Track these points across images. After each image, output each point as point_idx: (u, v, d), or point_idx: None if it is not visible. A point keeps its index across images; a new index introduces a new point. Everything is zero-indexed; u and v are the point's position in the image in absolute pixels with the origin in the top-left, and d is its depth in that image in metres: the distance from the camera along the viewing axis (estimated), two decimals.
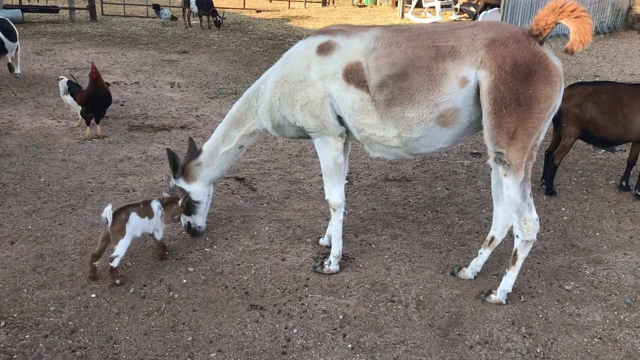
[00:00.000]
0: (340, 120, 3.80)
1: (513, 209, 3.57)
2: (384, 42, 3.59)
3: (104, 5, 19.91)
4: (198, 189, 4.40)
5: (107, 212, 3.68)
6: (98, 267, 3.89)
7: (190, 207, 4.36)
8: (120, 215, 3.80)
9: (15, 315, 3.43)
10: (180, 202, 4.18)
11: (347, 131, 3.87)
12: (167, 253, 4.22)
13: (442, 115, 3.50)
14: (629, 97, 5.35)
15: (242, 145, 4.35)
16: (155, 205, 4.04)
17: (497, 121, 3.38)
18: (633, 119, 5.31)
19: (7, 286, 3.74)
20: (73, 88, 7.01)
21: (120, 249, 3.75)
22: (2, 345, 3.17)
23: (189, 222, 4.47)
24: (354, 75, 3.59)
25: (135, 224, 3.85)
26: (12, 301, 3.58)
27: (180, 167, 4.39)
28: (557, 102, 3.48)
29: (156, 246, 4.14)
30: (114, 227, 3.74)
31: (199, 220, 4.49)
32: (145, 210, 3.96)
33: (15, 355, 3.10)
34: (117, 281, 3.78)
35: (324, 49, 3.72)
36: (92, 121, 6.85)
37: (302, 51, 3.82)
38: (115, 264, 3.74)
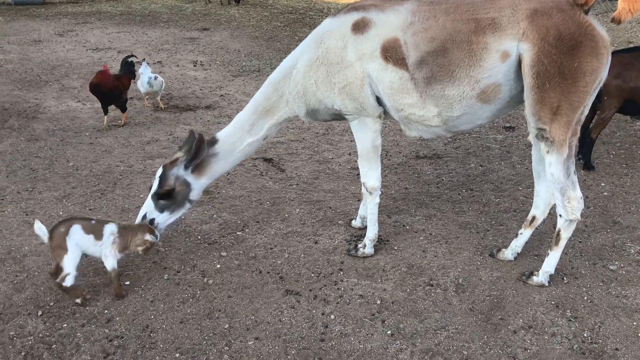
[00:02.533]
0: (378, 100, 3.66)
1: (556, 187, 3.43)
2: (421, 16, 3.42)
3: None
4: (201, 187, 3.89)
5: (38, 228, 3.27)
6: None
7: (175, 201, 3.73)
8: (60, 228, 3.33)
9: (51, 304, 3.42)
10: (149, 237, 3.53)
11: (385, 111, 3.73)
12: (125, 292, 3.54)
13: (483, 91, 3.35)
14: None
15: (267, 136, 4.05)
16: (108, 229, 3.47)
17: (539, 96, 3.23)
18: None
19: (42, 274, 3.72)
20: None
21: (68, 266, 3.29)
22: (40, 335, 3.16)
23: (152, 218, 3.75)
24: (392, 53, 3.44)
25: (78, 239, 3.34)
26: (48, 290, 3.56)
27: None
28: (604, 74, 3.31)
29: (111, 278, 3.51)
30: (52, 242, 3.30)
31: (166, 221, 3.81)
32: (94, 228, 3.43)
33: (54, 345, 3.08)
34: (78, 300, 3.36)
35: (359, 27, 3.55)
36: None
37: (336, 30, 3.63)
38: (68, 282, 3.29)
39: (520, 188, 5.11)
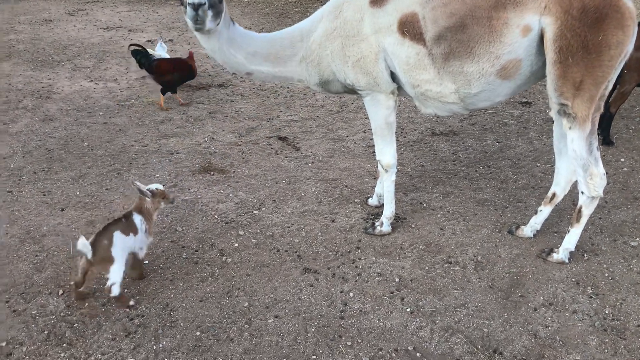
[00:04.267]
0: (392, 76, 3.60)
1: (578, 164, 3.38)
2: None
3: None
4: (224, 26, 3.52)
5: (82, 244, 3.09)
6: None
7: (221, 9, 3.34)
8: (102, 241, 3.20)
9: (72, 283, 3.44)
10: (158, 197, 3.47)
11: (399, 88, 3.67)
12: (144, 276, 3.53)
13: (503, 67, 3.28)
14: None
15: (257, 77, 3.87)
16: (137, 219, 3.39)
17: (562, 71, 3.16)
18: None
19: (61, 254, 3.74)
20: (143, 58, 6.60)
21: (115, 275, 3.19)
22: (62, 314, 3.18)
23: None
24: (409, 28, 3.37)
25: (122, 245, 3.25)
26: (68, 269, 3.58)
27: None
28: (630, 47, 3.22)
29: (134, 267, 3.45)
30: (95, 257, 3.16)
31: (210, 18, 3.29)
32: (128, 225, 3.34)
33: (76, 324, 3.11)
34: (131, 302, 3.29)
35: (377, 0, 3.48)
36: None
37: (355, 2, 3.55)
38: (115, 292, 3.19)
39: (539, 164, 5.05)
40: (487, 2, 3.24)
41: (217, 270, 3.58)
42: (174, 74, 6.50)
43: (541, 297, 3.33)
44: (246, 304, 3.29)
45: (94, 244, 3.16)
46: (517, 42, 3.22)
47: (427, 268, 3.62)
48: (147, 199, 3.43)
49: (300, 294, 3.37)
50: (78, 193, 4.54)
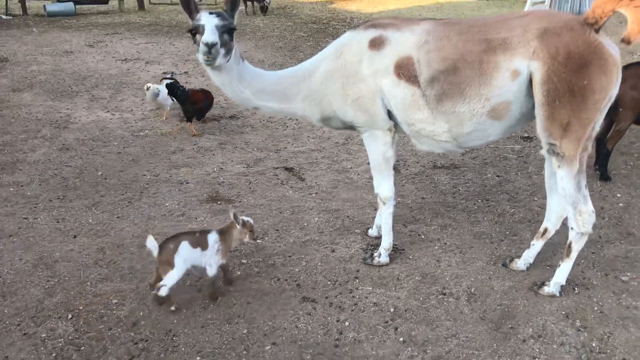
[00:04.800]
0: (389, 114, 3.79)
1: (568, 201, 3.52)
2: (435, 36, 3.54)
3: None
4: (236, 55, 3.69)
5: (150, 243, 3.46)
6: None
7: (230, 42, 3.51)
8: (169, 245, 3.52)
9: (80, 308, 3.62)
10: (245, 231, 3.75)
11: (395, 125, 3.86)
12: (220, 294, 3.76)
13: (493, 109, 3.46)
14: None
15: (265, 110, 4.08)
16: (211, 238, 3.67)
17: (550, 113, 3.32)
18: None
19: (72, 279, 3.93)
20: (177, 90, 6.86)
21: (170, 280, 3.48)
22: (70, 337, 3.35)
23: (216, 43, 3.39)
24: (405, 70, 3.56)
25: (186, 255, 3.53)
26: (78, 294, 3.76)
27: None
28: (614, 91, 3.39)
29: (208, 284, 3.77)
30: (161, 257, 3.50)
31: (221, 54, 3.48)
32: (199, 240, 3.63)
33: (83, 347, 3.27)
34: (173, 307, 3.58)
35: (376, 44, 3.67)
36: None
37: (355, 45, 3.76)
38: (163, 293, 3.49)
39: (536, 198, 5.18)
40: (478, 47, 3.43)
41: (219, 298, 3.73)
42: (204, 102, 6.92)
43: (530, 329, 3.44)
44: (245, 330, 3.44)
45: (161, 246, 3.48)
46: (506, 85, 3.40)
47: (421, 299, 3.75)
48: (237, 226, 3.71)
49: (297, 322, 3.52)
50: (90, 220, 4.75)
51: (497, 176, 5.73)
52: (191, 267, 3.61)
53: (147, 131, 7.02)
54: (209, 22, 3.41)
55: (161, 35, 13.82)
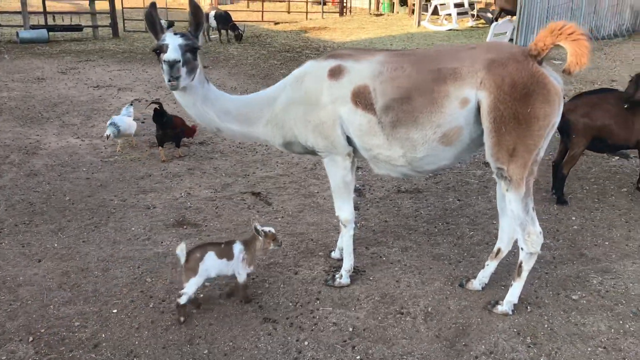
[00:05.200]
0: (348, 140, 3.94)
1: (516, 223, 3.69)
2: (389, 67, 3.73)
3: (125, 21, 20.36)
4: (200, 76, 3.81)
5: (181, 250, 3.70)
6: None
7: (194, 61, 3.61)
8: (196, 253, 3.77)
9: (42, 330, 3.65)
10: (268, 240, 3.96)
11: (355, 150, 4.01)
12: (252, 299, 4.03)
13: (444, 135, 3.63)
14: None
15: (227, 134, 4.25)
16: (237, 248, 3.90)
17: (497, 139, 3.51)
18: (636, 124, 5.46)
19: (35, 303, 3.96)
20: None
21: (190, 287, 3.71)
22: None
23: (179, 61, 3.49)
24: (361, 99, 3.73)
25: (210, 265, 3.78)
26: (40, 317, 3.79)
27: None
28: (556, 119, 3.60)
29: (239, 289, 4.00)
30: (187, 264, 3.74)
31: (185, 76, 3.59)
32: (224, 251, 3.86)
33: None
34: (181, 319, 3.73)
35: (335, 73, 3.84)
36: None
37: (315, 73, 3.92)
38: (182, 301, 3.71)
39: (495, 222, 5.35)
40: (430, 77, 3.62)
41: (182, 319, 3.80)
42: (181, 128, 7.10)
43: (483, 346, 3.57)
44: (206, 351, 3.50)
45: (188, 254, 3.72)
46: (456, 112, 3.58)
47: (380, 318, 3.86)
48: (260, 237, 3.92)
49: (258, 342, 3.60)
50: (56, 245, 4.78)
51: (459, 200, 5.91)
52: (215, 276, 3.87)
53: (116, 157, 7.08)
54: (172, 42, 3.56)
55: (135, 63, 13.93)
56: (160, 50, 3.58)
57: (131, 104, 7.81)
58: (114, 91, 10.78)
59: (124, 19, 20.24)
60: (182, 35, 3.63)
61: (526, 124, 3.47)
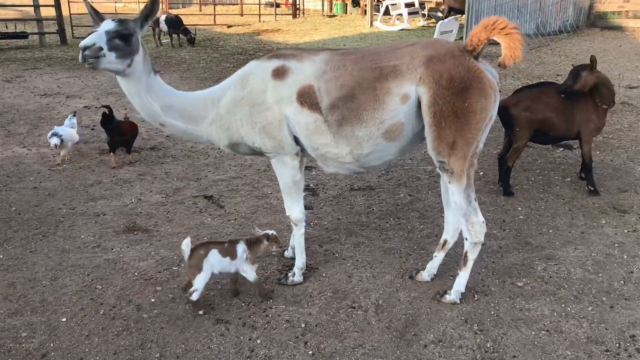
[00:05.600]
0: (295, 139, 3.98)
1: (460, 214, 3.80)
2: (332, 66, 3.78)
3: (74, 28, 19.93)
4: (142, 67, 3.78)
5: (186, 244, 3.77)
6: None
7: (127, 49, 3.62)
8: (199, 250, 3.84)
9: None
10: (269, 242, 4.05)
11: (302, 149, 4.05)
12: (272, 290, 4.17)
13: (387, 131, 3.71)
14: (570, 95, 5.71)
15: (171, 131, 4.20)
16: (240, 247, 3.97)
17: (437, 133, 3.61)
18: (576, 116, 5.67)
19: None
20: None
21: (199, 283, 3.79)
22: None
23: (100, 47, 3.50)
24: (306, 98, 3.77)
25: (214, 262, 3.85)
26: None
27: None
28: (493, 112, 3.72)
29: (254, 287, 4.11)
30: (191, 261, 3.81)
31: (110, 62, 3.60)
32: (228, 249, 3.93)
33: None
34: (201, 312, 3.86)
35: (279, 74, 3.87)
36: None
37: (259, 74, 3.94)
38: (195, 297, 3.79)
39: (443, 215, 5.47)
40: (372, 75, 3.70)
41: (132, 325, 3.77)
42: (131, 133, 6.99)
43: (432, 335, 3.66)
44: (158, 354, 3.49)
45: (192, 251, 3.80)
46: (397, 108, 3.67)
47: (332, 313, 3.92)
48: (265, 241, 4.01)
49: (210, 344, 3.60)
50: (1, 256, 4.67)
51: (409, 195, 6.03)
52: (218, 273, 3.92)
53: (65, 165, 6.94)
54: (102, 27, 3.58)
55: (83, 70, 13.64)
56: None
57: (74, 114, 7.56)
58: (62, 99, 10.56)
59: (72, 26, 19.81)
60: (120, 22, 3.63)
61: (464, 118, 3.58)
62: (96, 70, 3.70)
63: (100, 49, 3.51)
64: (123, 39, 3.60)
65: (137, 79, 3.78)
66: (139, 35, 3.72)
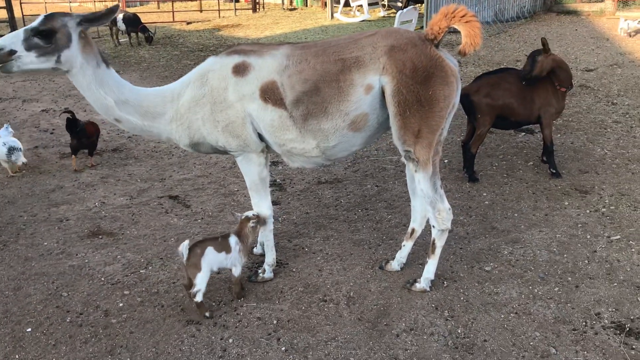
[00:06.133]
0: (260, 136, 3.93)
1: (427, 201, 3.82)
2: (294, 60, 3.74)
3: None
4: (74, 59, 3.63)
5: (184, 247, 3.70)
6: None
7: (49, 46, 3.51)
8: (196, 249, 3.78)
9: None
10: (251, 223, 4.00)
11: (267, 146, 4.01)
12: (245, 293, 4.09)
13: (353, 122, 3.71)
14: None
15: (125, 126, 4.07)
16: (232, 240, 3.94)
17: (402, 122, 3.62)
18: (536, 100, 5.77)
19: None
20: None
21: (200, 283, 3.74)
22: None
23: (14, 51, 3.46)
24: (270, 94, 3.73)
25: (212, 259, 3.80)
26: None
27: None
28: (456, 100, 3.75)
29: (233, 284, 4.04)
30: (189, 261, 3.74)
31: (25, 64, 3.54)
32: (222, 244, 3.89)
33: None
34: (207, 314, 3.80)
35: (240, 70, 3.80)
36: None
37: (219, 71, 3.86)
38: (198, 298, 3.74)
39: (410, 204, 5.51)
40: (335, 67, 3.68)
41: (101, 331, 3.69)
42: (96, 134, 6.87)
43: (403, 324, 3.68)
44: (128, 359, 3.43)
45: (189, 250, 3.73)
46: (361, 99, 3.66)
47: (303, 308, 3.90)
48: (248, 224, 3.98)
49: (181, 346, 3.55)
50: None
51: (376, 186, 6.05)
52: (217, 269, 3.90)
53: (23, 171, 6.75)
54: (22, 28, 3.53)
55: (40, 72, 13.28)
56: None
57: (8, 123, 7.13)
58: (18, 103, 10.25)
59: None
60: (44, 18, 3.54)
61: (428, 106, 3.60)
62: (12, 74, 3.58)
63: (11, 52, 3.44)
64: (43, 37, 3.51)
65: (81, 73, 3.68)
66: (69, 30, 3.57)
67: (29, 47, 3.47)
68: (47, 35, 3.51)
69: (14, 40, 3.46)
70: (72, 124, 6.67)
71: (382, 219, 5.25)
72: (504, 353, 3.40)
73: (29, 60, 3.50)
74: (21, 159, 6.54)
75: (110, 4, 27.69)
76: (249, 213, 4.04)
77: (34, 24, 3.52)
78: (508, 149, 7.02)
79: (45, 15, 3.58)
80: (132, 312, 3.90)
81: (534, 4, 18.87)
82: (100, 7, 30.20)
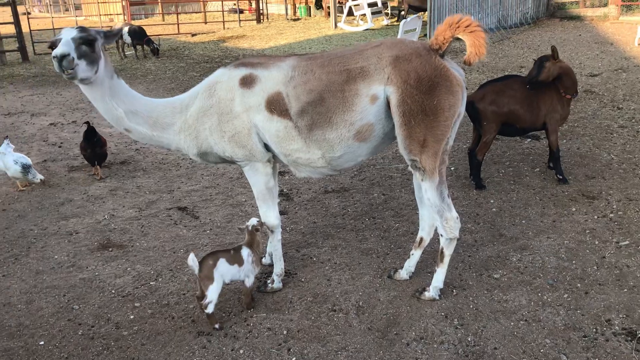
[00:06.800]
0: (266, 146, 3.97)
1: (434, 210, 3.84)
2: (300, 71, 3.79)
3: (35, 44, 19.56)
4: (103, 69, 3.76)
5: (192, 259, 3.71)
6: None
7: (93, 55, 3.62)
8: (208, 261, 3.82)
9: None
10: (256, 227, 4.07)
11: (274, 156, 4.05)
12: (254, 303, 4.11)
13: (358, 132, 3.74)
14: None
15: (136, 136, 4.14)
16: (245, 252, 3.98)
17: (408, 132, 3.64)
18: (541, 107, 5.78)
19: None
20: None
21: (212, 294, 3.76)
22: None
23: (71, 57, 3.49)
24: (275, 105, 3.78)
25: (224, 271, 3.84)
26: None
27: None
28: (461, 109, 3.77)
29: (244, 294, 4.08)
30: (201, 273, 3.77)
31: (84, 70, 3.62)
32: (235, 257, 3.93)
33: None
34: (216, 325, 3.81)
35: (247, 82, 3.86)
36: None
37: (226, 82, 3.92)
38: (210, 310, 3.76)
39: (418, 212, 5.52)
40: (340, 77, 3.72)
41: (113, 343, 3.72)
42: (106, 146, 7.12)
43: (413, 333, 3.69)
44: None
45: (201, 262, 3.77)
46: (366, 109, 3.70)
47: (313, 318, 3.92)
48: (256, 233, 4.05)
49: (193, 357, 3.57)
50: None
51: (383, 194, 6.06)
52: (228, 281, 3.93)
53: (33, 185, 6.81)
54: (65, 35, 3.55)
55: (47, 86, 13.43)
56: (53, 45, 3.55)
57: (6, 137, 7.07)
58: (27, 117, 10.36)
59: (33, 42, 19.45)
60: (82, 29, 3.62)
61: (433, 116, 3.62)
62: (75, 79, 3.61)
63: (74, 59, 3.50)
64: (89, 45, 3.60)
65: (101, 83, 3.77)
66: (100, 42, 3.70)
67: (79, 56, 3.54)
68: (91, 44, 3.61)
69: (70, 47, 3.49)
70: (91, 134, 6.88)
71: (389, 227, 5.27)
72: None
73: (81, 68, 3.57)
74: (38, 176, 6.63)
75: (115, 17, 28.04)
76: (253, 221, 4.08)
77: (74, 34, 3.55)
78: (514, 155, 7.02)
79: (79, 27, 3.66)
80: (143, 324, 3.92)
81: (537, 10, 18.92)
82: (105, 20, 30.50)
